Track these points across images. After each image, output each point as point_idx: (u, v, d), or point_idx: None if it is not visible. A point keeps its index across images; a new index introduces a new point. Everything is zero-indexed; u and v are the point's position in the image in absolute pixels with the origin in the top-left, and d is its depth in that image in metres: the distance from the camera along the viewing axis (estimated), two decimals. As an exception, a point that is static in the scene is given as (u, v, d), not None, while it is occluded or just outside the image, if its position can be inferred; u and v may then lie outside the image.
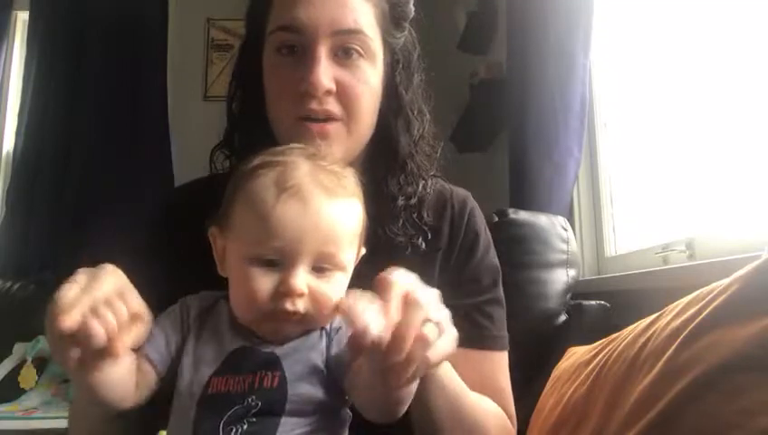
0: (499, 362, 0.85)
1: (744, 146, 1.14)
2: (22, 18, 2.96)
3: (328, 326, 0.66)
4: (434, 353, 0.54)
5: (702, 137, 1.26)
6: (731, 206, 1.17)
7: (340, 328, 0.65)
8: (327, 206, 0.63)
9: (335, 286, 0.64)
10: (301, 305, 0.62)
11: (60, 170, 2.67)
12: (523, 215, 1.38)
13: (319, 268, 0.63)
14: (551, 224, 1.39)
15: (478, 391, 0.80)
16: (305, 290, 0.62)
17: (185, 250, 0.73)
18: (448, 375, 0.70)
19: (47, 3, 2.80)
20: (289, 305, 0.61)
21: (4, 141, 2.89)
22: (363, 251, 0.71)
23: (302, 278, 0.61)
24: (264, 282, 0.62)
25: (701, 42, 1.28)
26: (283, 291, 0.61)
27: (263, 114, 0.81)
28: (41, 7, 2.82)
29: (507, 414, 0.84)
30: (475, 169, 2.37)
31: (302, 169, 0.64)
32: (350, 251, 0.66)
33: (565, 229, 1.39)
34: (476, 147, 2.41)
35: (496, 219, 1.34)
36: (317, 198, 0.63)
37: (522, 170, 1.68)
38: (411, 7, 0.84)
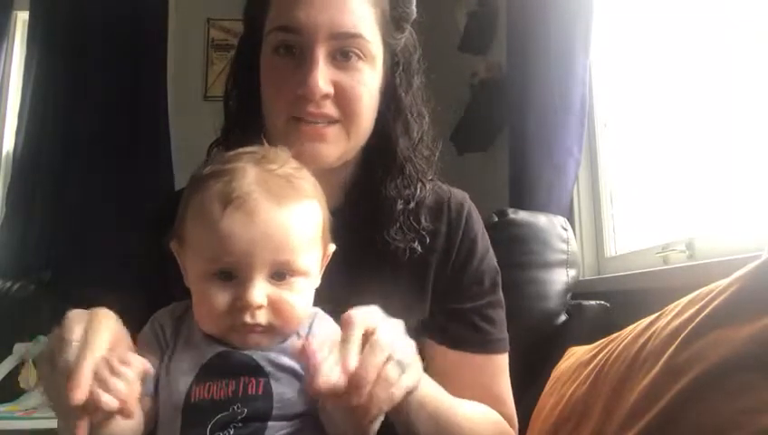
0: (500, 365, 0.85)
1: (743, 146, 1.14)
2: (22, 18, 2.95)
3: (303, 331, 0.65)
4: (398, 390, 0.55)
5: (702, 137, 1.26)
6: (731, 206, 1.17)
7: (316, 336, 0.64)
8: (276, 214, 0.61)
9: (297, 293, 0.63)
10: (261, 317, 0.61)
11: (60, 170, 2.67)
12: (522, 215, 1.37)
13: (279, 275, 0.62)
14: (550, 224, 1.39)
15: (479, 395, 0.80)
16: (263, 302, 0.60)
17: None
18: (430, 393, 0.68)
19: (47, 3, 2.80)
20: (248, 319, 0.60)
21: (4, 141, 2.88)
22: (332, 248, 0.69)
23: (258, 290, 0.60)
24: (221, 296, 0.60)
25: (701, 42, 1.27)
26: (241, 305, 0.60)
27: (259, 112, 0.80)
28: (41, 7, 2.81)
29: (507, 416, 0.83)
30: (475, 169, 2.37)
31: (248, 176, 0.62)
32: (309, 255, 0.64)
33: (565, 229, 1.39)
34: (476, 147, 2.41)
35: (496, 219, 1.34)
36: (264, 207, 0.60)
37: (521, 170, 1.68)
38: (413, 8, 0.82)
